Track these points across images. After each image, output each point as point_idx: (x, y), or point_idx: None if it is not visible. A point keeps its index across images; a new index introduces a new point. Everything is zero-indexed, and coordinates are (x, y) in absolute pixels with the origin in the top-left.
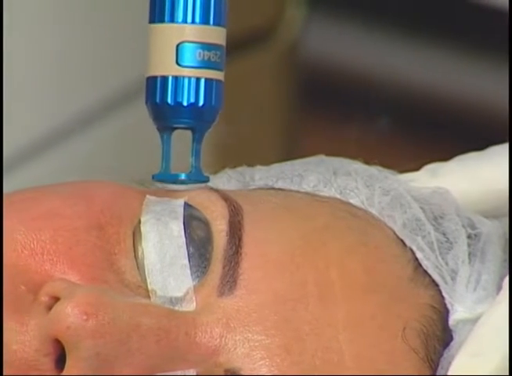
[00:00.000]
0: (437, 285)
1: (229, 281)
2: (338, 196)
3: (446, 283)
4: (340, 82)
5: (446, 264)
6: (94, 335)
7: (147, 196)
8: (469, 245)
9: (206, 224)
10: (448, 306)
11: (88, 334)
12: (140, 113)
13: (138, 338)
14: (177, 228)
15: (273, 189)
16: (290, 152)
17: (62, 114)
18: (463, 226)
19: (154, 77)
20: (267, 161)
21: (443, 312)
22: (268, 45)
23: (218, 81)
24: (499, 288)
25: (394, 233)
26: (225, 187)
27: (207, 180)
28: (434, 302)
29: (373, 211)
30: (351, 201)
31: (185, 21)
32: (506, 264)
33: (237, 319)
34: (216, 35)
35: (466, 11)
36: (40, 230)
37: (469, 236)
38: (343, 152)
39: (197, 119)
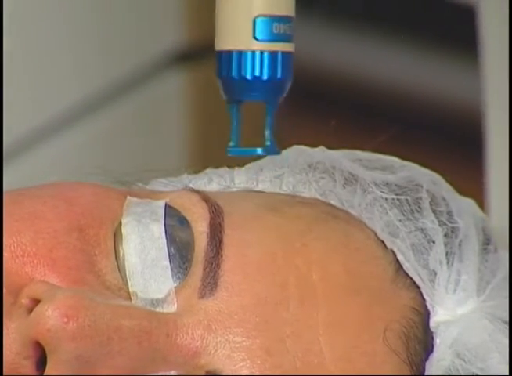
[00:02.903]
0: (418, 287)
1: (210, 283)
2: (318, 197)
3: (426, 285)
4: (326, 84)
5: (427, 265)
6: (74, 338)
7: (128, 197)
8: (446, 244)
9: (187, 226)
10: (429, 308)
11: (68, 336)
12: (124, 112)
13: (119, 340)
14: (158, 230)
15: (254, 191)
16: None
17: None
18: (440, 224)
19: (229, 52)
20: (247, 161)
21: (424, 314)
22: None
23: (291, 53)
24: (479, 288)
25: (376, 235)
26: (206, 188)
27: (279, 153)
28: (415, 304)
29: (354, 213)
30: (332, 202)
31: None
32: (483, 257)
33: (218, 321)
34: (290, 7)
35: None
36: (20, 233)
37: (445, 235)
38: None
39: (273, 92)
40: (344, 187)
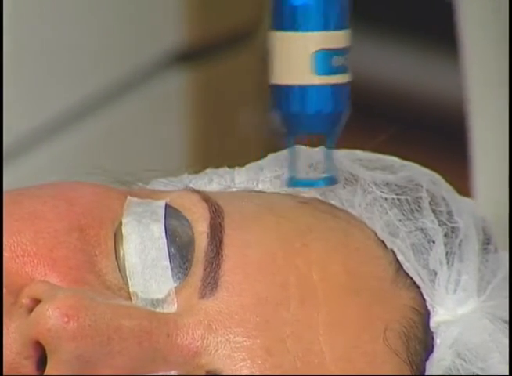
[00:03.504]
0: (418, 287)
1: (210, 283)
2: (319, 196)
3: (426, 285)
4: None
5: (427, 265)
6: (75, 338)
7: (128, 197)
8: (446, 244)
9: (187, 226)
10: (430, 308)
11: (69, 336)
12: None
13: (119, 340)
14: (158, 230)
15: (254, 191)
16: (270, 151)
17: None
18: (440, 224)
19: (289, 86)
20: (247, 161)
21: (424, 314)
22: (248, 45)
23: (348, 84)
24: (480, 288)
25: (376, 235)
26: (207, 188)
27: (338, 182)
28: (415, 304)
29: (354, 213)
30: (332, 202)
31: (320, 28)
32: (484, 257)
33: (219, 321)
34: (346, 38)
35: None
36: (20, 233)
37: (445, 235)
38: None
39: (334, 125)
40: (344, 187)
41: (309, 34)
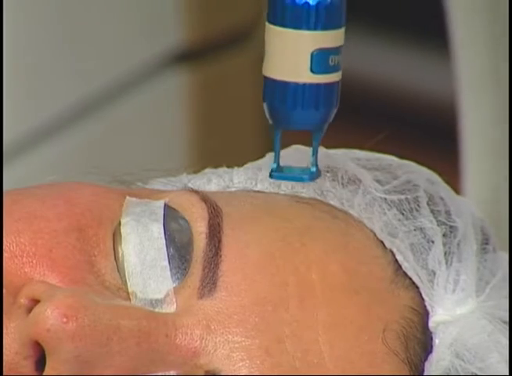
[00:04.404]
0: (417, 287)
1: (209, 283)
2: (318, 197)
3: (425, 285)
4: None
5: (426, 265)
6: (74, 338)
7: (127, 197)
8: (444, 244)
9: (186, 226)
10: (429, 308)
11: (68, 336)
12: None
13: (118, 340)
14: (157, 230)
15: (253, 191)
16: (269, 150)
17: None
18: (438, 224)
19: (285, 83)
20: (246, 161)
21: (423, 314)
22: (247, 45)
23: (339, 81)
24: (478, 288)
25: (375, 235)
26: (206, 188)
27: (320, 176)
28: (414, 304)
29: (353, 213)
30: (331, 202)
31: (320, 27)
32: (482, 257)
33: (217, 321)
34: (341, 37)
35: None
36: (19, 233)
37: (444, 235)
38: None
39: (324, 121)
40: (343, 187)
41: (309, 32)
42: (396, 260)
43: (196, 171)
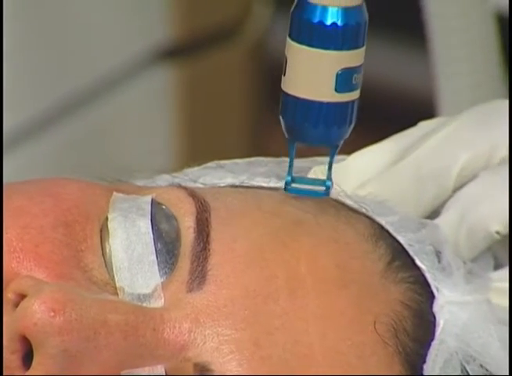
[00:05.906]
0: (409, 281)
1: (198, 276)
2: None
3: (430, 269)
4: None
5: (430, 249)
6: (61, 332)
7: (114, 193)
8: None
9: (174, 221)
10: (434, 291)
11: (55, 330)
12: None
13: (105, 334)
14: (144, 225)
15: (242, 186)
16: (256, 147)
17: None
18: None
19: (309, 101)
20: (234, 157)
21: (414, 309)
22: (234, 41)
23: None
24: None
25: (366, 230)
26: (193, 184)
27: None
28: (405, 299)
29: (350, 203)
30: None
31: (346, 48)
32: None
33: (206, 314)
34: (363, 55)
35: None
36: (6, 228)
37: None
38: (307, 148)
39: (342, 137)
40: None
41: (336, 52)
42: (387, 254)
43: (183, 168)
